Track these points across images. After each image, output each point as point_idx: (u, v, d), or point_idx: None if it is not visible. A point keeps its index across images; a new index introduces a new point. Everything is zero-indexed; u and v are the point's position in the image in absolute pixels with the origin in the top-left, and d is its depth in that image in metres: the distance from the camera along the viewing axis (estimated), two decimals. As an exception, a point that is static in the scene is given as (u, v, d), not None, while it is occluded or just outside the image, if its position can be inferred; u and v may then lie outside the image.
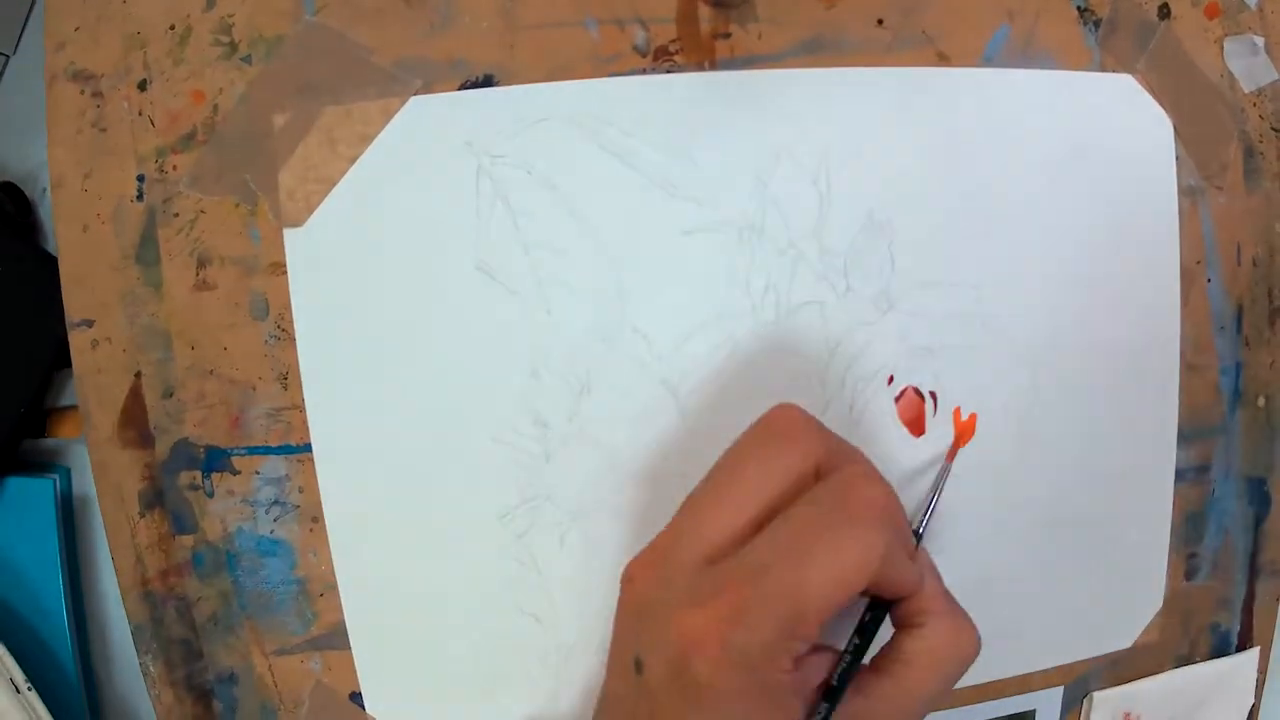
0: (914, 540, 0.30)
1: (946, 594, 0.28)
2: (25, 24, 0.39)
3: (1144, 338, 0.37)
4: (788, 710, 0.26)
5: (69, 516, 0.38)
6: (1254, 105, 0.37)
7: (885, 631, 0.29)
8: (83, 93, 0.34)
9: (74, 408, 0.37)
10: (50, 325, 0.35)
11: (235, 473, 0.34)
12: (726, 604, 0.24)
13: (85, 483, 0.38)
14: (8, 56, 0.39)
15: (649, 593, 0.27)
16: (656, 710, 0.26)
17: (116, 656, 0.39)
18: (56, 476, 0.38)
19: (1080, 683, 0.38)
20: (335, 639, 0.35)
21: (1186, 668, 0.39)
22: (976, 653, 0.28)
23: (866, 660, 0.28)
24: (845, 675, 0.27)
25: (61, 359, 0.35)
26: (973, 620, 0.28)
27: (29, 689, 0.35)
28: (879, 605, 0.28)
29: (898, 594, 0.27)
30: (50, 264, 0.35)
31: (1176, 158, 0.37)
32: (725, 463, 0.28)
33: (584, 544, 0.34)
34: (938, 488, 0.33)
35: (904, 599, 0.28)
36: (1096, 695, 0.38)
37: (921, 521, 0.32)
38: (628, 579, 0.28)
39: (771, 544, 0.25)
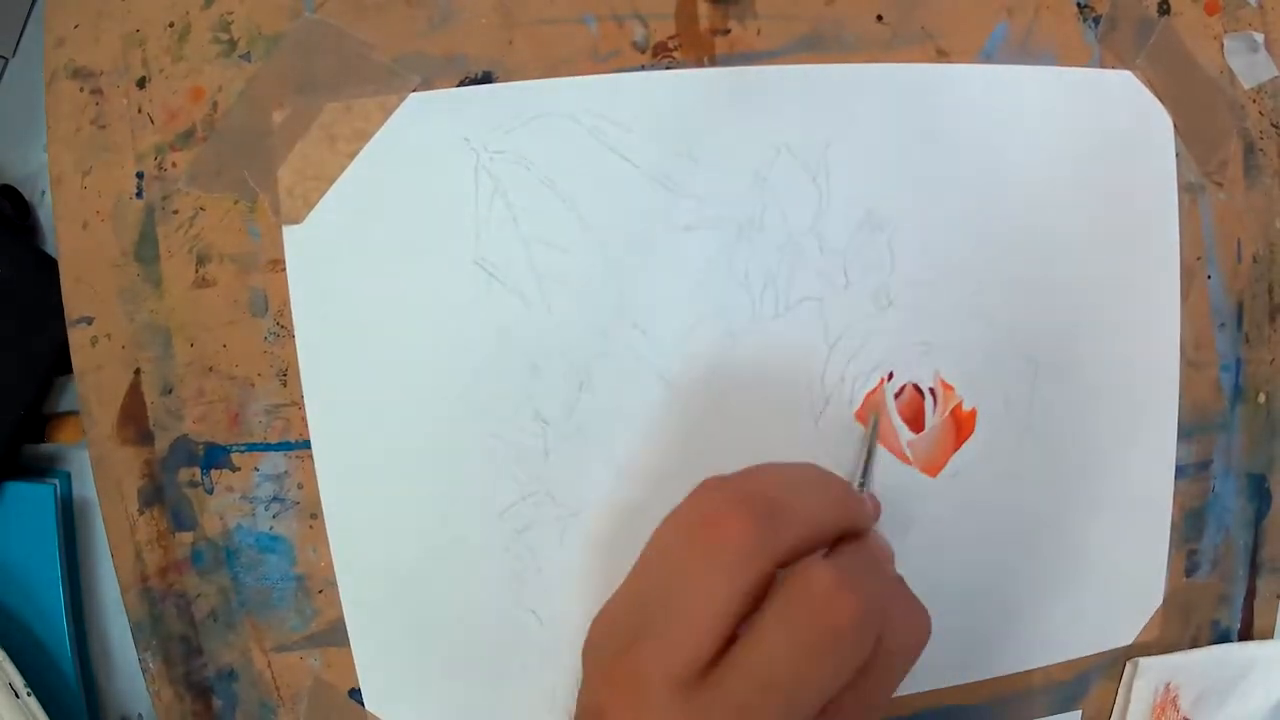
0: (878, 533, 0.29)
1: (898, 586, 0.28)
2: (24, 27, 0.39)
3: (1144, 334, 0.37)
4: None
5: (69, 522, 0.38)
6: (1254, 102, 0.37)
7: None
8: (82, 90, 0.34)
9: (74, 413, 0.37)
10: (50, 329, 0.35)
11: (234, 469, 0.34)
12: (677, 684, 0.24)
13: (85, 488, 0.37)
14: (7, 59, 0.39)
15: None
16: None
17: (116, 661, 0.38)
18: (57, 482, 0.38)
19: (1080, 680, 0.38)
20: (334, 635, 0.34)
21: (1230, 644, 0.39)
22: (928, 636, 0.27)
23: None
24: None
25: (61, 364, 0.35)
26: (920, 603, 0.27)
27: (28, 694, 0.35)
28: None
29: None
30: (50, 267, 0.35)
31: (1176, 154, 0.37)
32: (665, 570, 0.26)
33: (584, 540, 0.34)
34: (866, 460, 0.31)
35: None
36: (1142, 662, 0.38)
37: (859, 478, 0.30)
38: (599, 713, 0.25)
39: (751, 676, 0.24)
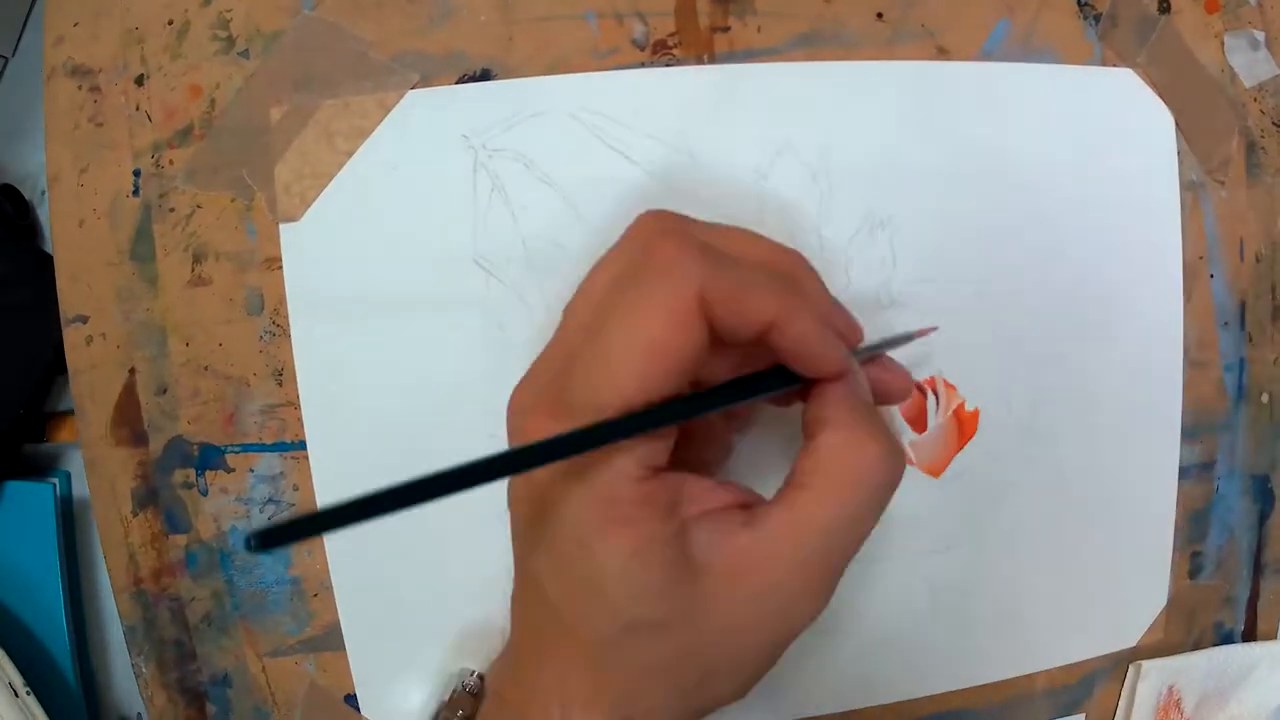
0: (843, 317, 0.26)
1: (860, 405, 0.24)
2: (24, 26, 0.39)
3: (1147, 334, 0.37)
4: (635, 527, 0.22)
5: (68, 521, 0.38)
6: (1255, 100, 0.37)
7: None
8: (80, 88, 0.34)
9: (74, 412, 0.37)
10: (49, 328, 0.35)
11: (229, 470, 0.34)
12: (547, 398, 0.22)
13: (85, 487, 0.37)
14: (6, 59, 0.39)
15: (514, 404, 0.24)
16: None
17: (115, 661, 0.38)
18: (56, 481, 0.38)
19: (1084, 683, 0.38)
20: (330, 640, 0.34)
21: (1233, 646, 0.39)
22: (890, 474, 0.23)
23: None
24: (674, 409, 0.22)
25: (61, 363, 0.35)
26: (890, 436, 0.23)
27: (28, 693, 0.35)
28: (785, 377, 0.24)
29: (797, 351, 0.23)
30: (49, 266, 0.34)
31: (1178, 152, 0.37)
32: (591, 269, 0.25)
33: (582, 542, 0.34)
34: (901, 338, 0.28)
35: (814, 394, 0.24)
36: (1145, 664, 0.38)
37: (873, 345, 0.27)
38: (509, 407, 0.25)
39: (576, 323, 0.23)
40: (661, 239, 0.22)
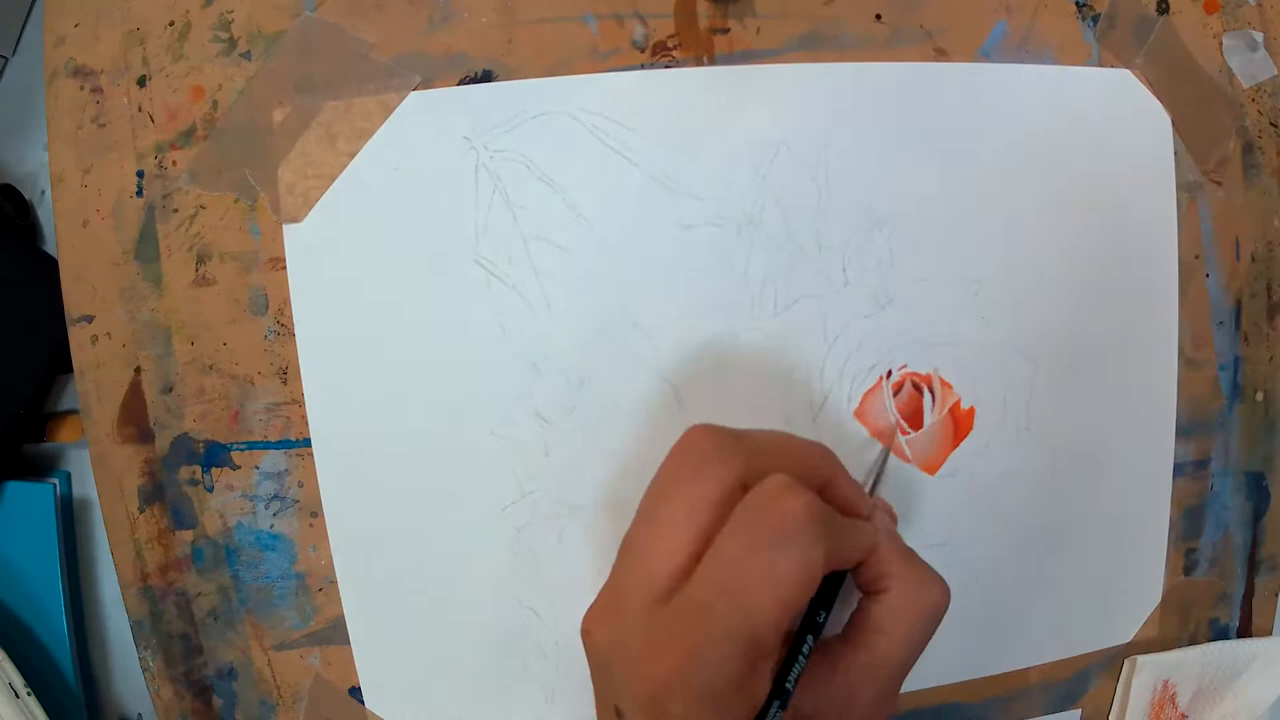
0: (864, 500, 0.30)
1: (905, 553, 0.29)
2: (24, 26, 0.39)
3: (1143, 332, 0.37)
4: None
5: (69, 521, 0.38)
6: (1253, 100, 0.37)
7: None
8: (82, 89, 0.34)
9: (74, 412, 0.37)
10: (49, 328, 0.35)
11: (235, 468, 0.34)
12: (683, 650, 0.24)
13: (85, 487, 0.38)
14: (6, 59, 0.39)
15: (608, 644, 0.27)
16: None
17: (116, 661, 0.38)
18: (56, 481, 0.38)
19: (1078, 678, 0.38)
20: (334, 634, 0.35)
21: (1227, 641, 0.39)
22: (946, 604, 0.28)
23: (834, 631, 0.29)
24: (795, 671, 0.27)
25: (61, 363, 0.35)
26: (936, 573, 0.28)
27: (28, 694, 0.35)
28: (831, 579, 0.29)
29: (850, 564, 0.28)
30: (49, 266, 0.35)
31: (1175, 153, 0.37)
32: (651, 499, 0.28)
33: (583, 538, 0.34)
34: (883, 458, 0.33)
35: (861, 565, 0.28)
36: (1140, 659, 0.38)
37: (870, 486, 0.32)
38: (586, 633, 0.27)
39: (709, 579, 0.25)
40: (784, 497, 0.25)
